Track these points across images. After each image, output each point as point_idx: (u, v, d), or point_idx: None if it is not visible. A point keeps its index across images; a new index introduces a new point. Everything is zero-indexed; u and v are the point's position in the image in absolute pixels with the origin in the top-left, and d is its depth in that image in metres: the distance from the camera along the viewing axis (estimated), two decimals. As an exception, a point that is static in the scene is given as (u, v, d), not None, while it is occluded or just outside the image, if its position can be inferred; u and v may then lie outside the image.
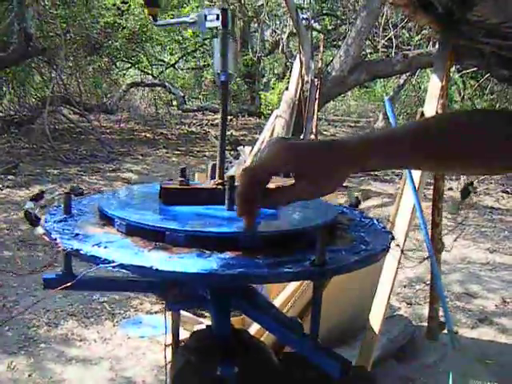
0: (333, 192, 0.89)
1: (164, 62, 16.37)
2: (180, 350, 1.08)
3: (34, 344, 3.68)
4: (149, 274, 0.82)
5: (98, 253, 0.86)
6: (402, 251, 3.32)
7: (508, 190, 9.19)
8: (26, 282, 4.64)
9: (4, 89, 12.46)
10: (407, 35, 11.76)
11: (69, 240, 0.91)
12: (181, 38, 14.39)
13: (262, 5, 12.96)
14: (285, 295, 3.09)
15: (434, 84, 3.61)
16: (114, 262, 0.83)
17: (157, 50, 15.86)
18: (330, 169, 0.86)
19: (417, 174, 3.47)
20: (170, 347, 1.21)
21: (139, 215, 0.98)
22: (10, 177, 8.17)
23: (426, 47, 9.35)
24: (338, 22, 14.87)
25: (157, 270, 0.81)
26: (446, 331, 3.98)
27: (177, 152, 11.62)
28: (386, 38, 10.78)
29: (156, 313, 4.24)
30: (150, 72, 15.12)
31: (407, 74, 10.47)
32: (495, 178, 9.53)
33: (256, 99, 14.75)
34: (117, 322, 4.08)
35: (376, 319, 3.20)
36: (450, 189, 8.46)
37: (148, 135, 13.78)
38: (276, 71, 17.84)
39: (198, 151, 11.81)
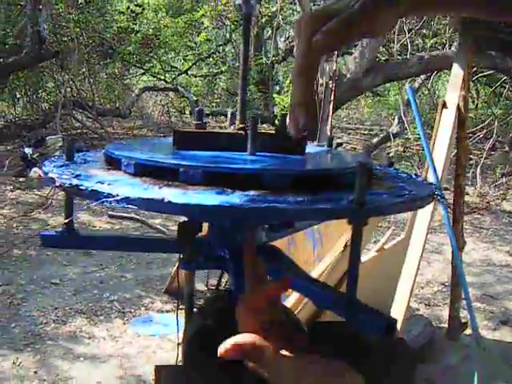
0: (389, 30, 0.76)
1: (177, 68, 16.32)
2: (194, 315, 0.95)
3: (40, 341, 3.57)
4: (160, 208, 0.70)
5: (101, 188, 0.74)
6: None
7: (526, 195, 9.02)
8: (34, 279, 4.54)
9: (16, 93, 12.44)
10: (421, 41, 11.66)
11: (68, 179, 0.79)
12: (194, 44, 14.35)
13: (277, 10, 12.90)
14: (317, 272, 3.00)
15: (455, 73, 3.49)
16: (118, 195, 0.71)
17: (170, 57, 15.82)
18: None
19: (439, 167, 3.35)
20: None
21: (149, 156, 0.87)
22: (21, 179, 8.10)
23: (443, 49, 9.22)
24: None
25: (169, 202, 0.69)
26: (467, 332, 3.85)
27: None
28: (400, 43, 10.67)
29: (167, 312, 4.12)
30: (162, 78, 15.07)
31: (422, 77, 10.31)
32: (512, 183, 9.39)
33: (269, 106, 14.64)
34: (127, 320, 3.96)
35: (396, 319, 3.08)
36: (467, 194, 8.29)
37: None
38: (290, 77, 17.72)
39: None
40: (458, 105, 3.48)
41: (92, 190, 0.74)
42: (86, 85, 12.96)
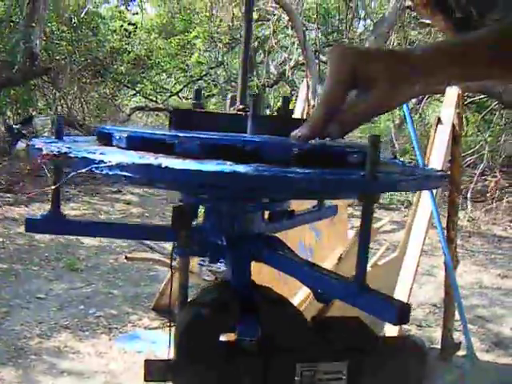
0: (405, 101, 0.92)
1: (167, 89, 16.32)
2: (189, 305, 0.90)
3: (24, 355, 3.47)
4: (157, 175, 0.65)
5: (92, 156, 0.68)
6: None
7: (516, 220, 9.02)
8: (19, 294, 4.44)
9: (7, 110, 12.36)
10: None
11: (57, 148, 0.73)
12: (186, 66, 14.37)
13: (269, 34, 12.96)
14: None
15: (450, 90, 3.48)
16: (110, 162, 0.66)
17: (162, 78, 15.84)
18: (402, 71, 0.79)
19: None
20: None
21: (143, 131, 0.81)
22: (9, 195, 8.00)
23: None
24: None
25: (166, 167, 0.63)
26: (459, 353, 3.79)
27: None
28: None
29: (155, 328, 4.03)
30: (153, 99, 15.05)
31: (413, 101, 10.35)
32: (502, 208, 9.37)
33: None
34: (113, 336, 3.87)
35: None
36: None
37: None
38: (280, 101, 17.78)
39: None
40: (453, 123, 3.47)
41: (83, 157, 0.69)
42: (76, 103, 12.91)
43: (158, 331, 3.97)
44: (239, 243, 0.90)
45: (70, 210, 7.44)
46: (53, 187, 0.79)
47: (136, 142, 0.77)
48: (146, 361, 0.88)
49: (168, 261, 4.05)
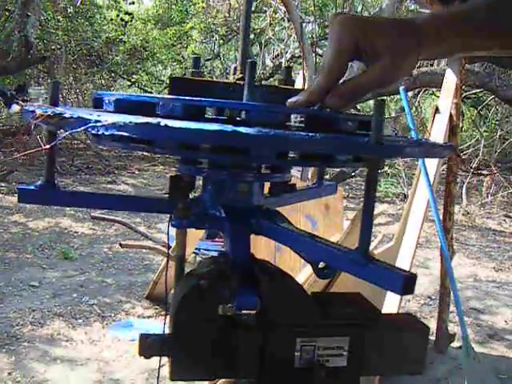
0: (406, 75, 0.87)
1: (163, 81, 16.26)
2: (185, 277, 0.87)
3: (16, 342, 3.44)
4: (155, 133, 0.62)
5: (88, 116, 0.66)
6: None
7: (510, 214, 9.03)
8: (12, 281, 4.41)
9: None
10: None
11: (51, 109, 0.71)
12: (182, 58, 14.30)
13: (266, 27, 12.90)
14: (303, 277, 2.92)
15: (448, 79, 3.46)
16: (106, 121, 0.63)
17: (157, 69, 15.76)
18: (405, 45, 0.76)
19: (431, 170, 3.30)
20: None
21: (131, 94, 0.79)
22: (2, 184, 7.97)
23: (431, 66, 9.24)
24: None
25: (166, 126, 0.61)
26: (454, 344, 3.78)
27: (175, 168, 11.42)
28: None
29: (149, 317, 4.00)
30: (149, 90, 14.99)
31: (410, 94, 10.34)
32: (497, 202, 9.39)
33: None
34: (106, 324, 3.84)
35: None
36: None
37: (145, 153, 13.59)
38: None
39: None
40: (451, 112, 3.45)
41: (78, 117, 0.66)
42: (72, 94, 12.85)
43: (151, 320, 3.95)
44: (238, 215, 0.87)
45: (64, 200, 7.39)
46: (48, 146, 0.76)
47: (126, 106, 0.74)
48: (140, 335, 0.86)
49: (162, 248, 4.03)
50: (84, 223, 6.33)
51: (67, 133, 0.66)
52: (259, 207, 0.91)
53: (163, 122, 0.61)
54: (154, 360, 1.05)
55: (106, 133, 0.63)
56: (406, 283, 0.67)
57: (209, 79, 0.92)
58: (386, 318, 0.91)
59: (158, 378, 1.23)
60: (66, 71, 11.31)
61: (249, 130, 0.62)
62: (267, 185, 0.98)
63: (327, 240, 0.79)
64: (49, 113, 0.68)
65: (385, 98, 10.45)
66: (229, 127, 0.61)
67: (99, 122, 0.64)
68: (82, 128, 0.64)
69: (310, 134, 0.65)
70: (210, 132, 0.60)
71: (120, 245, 4.08)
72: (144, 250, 5.19)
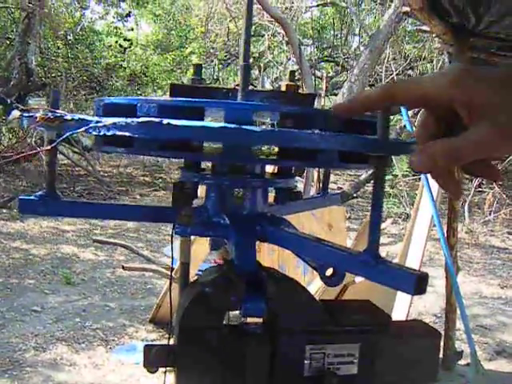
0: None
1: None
2: (191, 284, 0.85)
3: (19, 367, 3.40)
4: (157, 132, 0.61)
5: (89, 117, 0.65)
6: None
7: (513, 231, 9.00)
8: (14, 306, 4.38)
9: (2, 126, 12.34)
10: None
11: (51, 112, 0.70)
12: (182, 83, 14.36)
13: (264, 50, 13.00)
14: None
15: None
16: (107, 121, 0.62)
17: (158, 94, 15.84)
18: None
19: (434, 188, 3.29)
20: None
21: (118, 98, 0.78)
22: (4, 210, 7.96)
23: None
24: (339, 69, 14.92)
25: (169, 124, 0.60)
26: (462, 362, 3.73)
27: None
28: (387, 81, 10.74)
29: (152, 341, 3.96)
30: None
31: (410, 113, 10.36)
32: (500, 220, 9.35)
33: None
34: (110, 348, 3.80)
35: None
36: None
37: (147, 179, 13.59)
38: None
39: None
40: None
41: (79, 119, 0.65)
42: (72, 120, 12.88)
43: (155, 343, 3.90)
44: (243, 222, 0.86)
45: (67, 225, 7.40)
46: (46, 148, 0.75)
47: (110, 109, 0.73)
48: (145, 346, 0.84)
49: (165, 271, 4.01)
50: (86, 248, 6.30)
51: (68, 134, 0.65)
52: (264, 214, 0.90)
53: (165, 120, 0.60)
54: (159, 383, 1.02)
55: (108, 133, 0.62)
56: (418, 282, 0.65)
57: (207, 86, 0.91)
58: (397, 325, 0.89)
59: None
60: (66, 97, 11.36)
61: (254, 128, 0.61)
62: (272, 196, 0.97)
63: (335, 243, 0.78)
64: (49, 115, 0.67)
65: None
66: (232, 125, 0.60)
67: (100, 122, 0.63)
68: (83, 129, 0.63)
69: (317, 131, 0.64)
70: (213, 129, 0.59)
71: (123, 267, 4.06)
72: (147, 274, 5.16)
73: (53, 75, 11.41)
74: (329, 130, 0.70)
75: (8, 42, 10.59)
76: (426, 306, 4.99)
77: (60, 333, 3.95)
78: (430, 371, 0.86)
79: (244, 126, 0.61)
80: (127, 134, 0.61)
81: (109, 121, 0.62)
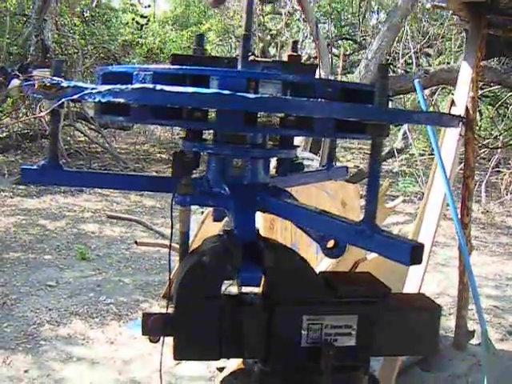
0: None
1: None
2: (190, 254, 0.85)
3: (33, 341, 3.45)
4: (150, 98, 0.61)
5: (84, 85, 0.64)
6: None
7: (531, 212, 8.91)
8: (29, 281, 4.43)
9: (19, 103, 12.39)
10: (426, 60, 11.66)
11: (49, 80, 0.69)
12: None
13: (282, 28, 12.89)
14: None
15: (464, 72, 3.41)
16: (102, 88, 0.61)
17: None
18: None
19: (448, 167, 3.25)
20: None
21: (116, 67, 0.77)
22: (21, 187, 8.02)
23: (448, 64, 9.17)
24: (356, 47, 14.76)
25: (162, 90, 0.59)
26: (473, 341, 3.72)
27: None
28: (404, 59, 10.63)
29: (165, 316, 3.98)
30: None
31: (427, 92, 10.23)
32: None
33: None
34: (123, 323, 3.84)
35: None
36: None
37: (163, 156, 13.60)
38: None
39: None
40: (466, 105, 3.39)
41: (75, 86, 0.65)
42: (89, 97, 12.89)
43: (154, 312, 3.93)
44: (243, 192, 0.85)
45: (84, 202, 7.44)
46: (43, 113, 0.74)
47: (108, 78, 0.73)
48: (143, 314, 0.84)
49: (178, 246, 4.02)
50: (102, 224, 6.34)
51: (64, 99, 0.64)
52: (265, 185, 0.89)
53: (158, 86, 0.59)
54: (171, 358, 1.01)
55: (103, 100, 0.62)
56: (413, 252, 0.65)
57: (210, 56, 0.90)
58: (397, 297, 0.88)
59: (160, 362, 1.15)
60: (83, 74, 11.37)
61: (248, 95, 0.60)
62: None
63: (334, 214, 0.77)
64: (46, 82, 0.67)
65: (401, 95, 10.40)
66: (226, 91, 0.60)
67: (95, 89, 0.62)
68: (79, 95, 0.62)
69: (313, 98, 0.63)
70: (206, 95, 0.59)
71: (136, 242, 4.08)
72: (162, 250, 5.19)
73: (69, 52, 11.41)
74: (329, 99, 0.69)
75: (25, 19, 10.58)
76: (441, 285, 4.98)
77: (74, 307, 3.99)
78: (429, 344, 0.86)
79: (238, 93, 0.60)
80: (121, 100, 0.61)
81: (104, 87, 0.62)
